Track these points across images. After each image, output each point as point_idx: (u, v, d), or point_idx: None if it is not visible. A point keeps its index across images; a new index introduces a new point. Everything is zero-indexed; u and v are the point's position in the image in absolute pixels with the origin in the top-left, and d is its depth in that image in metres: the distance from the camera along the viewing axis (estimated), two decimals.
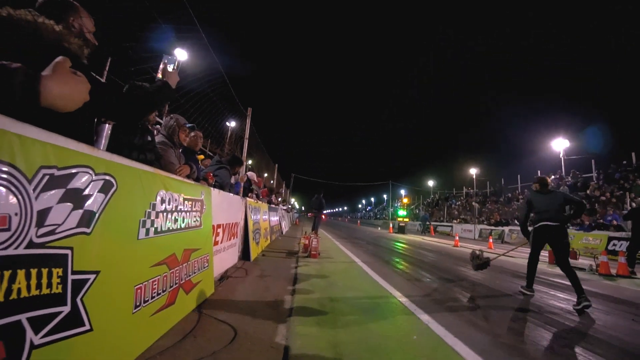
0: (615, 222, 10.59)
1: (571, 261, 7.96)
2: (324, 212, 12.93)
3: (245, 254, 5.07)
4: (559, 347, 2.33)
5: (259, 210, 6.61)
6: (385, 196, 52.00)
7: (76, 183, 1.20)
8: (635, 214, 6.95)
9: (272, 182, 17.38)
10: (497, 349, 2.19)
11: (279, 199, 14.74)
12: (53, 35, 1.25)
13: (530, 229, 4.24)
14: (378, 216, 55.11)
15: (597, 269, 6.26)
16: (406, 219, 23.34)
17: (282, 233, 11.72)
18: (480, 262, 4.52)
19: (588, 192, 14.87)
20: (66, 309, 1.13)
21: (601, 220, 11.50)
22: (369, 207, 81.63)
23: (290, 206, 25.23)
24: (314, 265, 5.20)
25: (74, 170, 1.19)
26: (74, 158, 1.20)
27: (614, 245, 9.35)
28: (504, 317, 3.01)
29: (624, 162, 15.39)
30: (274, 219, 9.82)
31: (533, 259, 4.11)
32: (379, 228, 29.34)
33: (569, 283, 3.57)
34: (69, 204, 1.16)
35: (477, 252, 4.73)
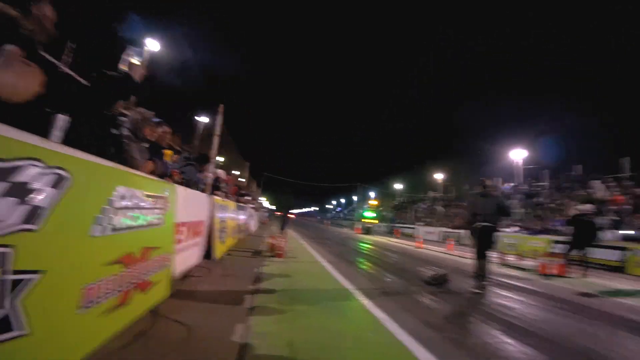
0: (558, 228, 11.75)
1: (517, 262, 8.76)
2: (293, 211, 12.92)
3: (209, 252, 4.97)
4: (496, 339, 2.57)
5: (226, 209, 6.50)
6: (355, 198, 52.96)
7: (23, 177, 1.15)
8: (577, 221, 7.61)
9: (242, 180, 17.04)
10: (445, 344, 2.37)
11: (249, 197, 14.50)
12: (7, 19, 1.19)
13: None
14: (348, 217, 55.97)
15: (538, 269, 6.90)
16: (375, 221, 23.99)
17: (250, 232, 11.57)
18: (436, 281, 4.62)
19: (541, 199, 16.59)
20: (2, 312, 1.08)
21: (548, 226, 12.79)
22: (339, 208, 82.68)
23: (259, 204, 24.88)
24: (278, 265, 5.22)
25: (20, 163, 1.15)
26: (22, 150, 1.16)
27: (554, 247, 10.28)
28: (454, 315, 3.27)
29: (572, 172, 17.24)
30: (242, 217, 9.68)
31: (477, 257, 4.52)
32: (347, 229, 29.85)
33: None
34: (13, 198, 1.11)
35: (432, 273, 4.76)
